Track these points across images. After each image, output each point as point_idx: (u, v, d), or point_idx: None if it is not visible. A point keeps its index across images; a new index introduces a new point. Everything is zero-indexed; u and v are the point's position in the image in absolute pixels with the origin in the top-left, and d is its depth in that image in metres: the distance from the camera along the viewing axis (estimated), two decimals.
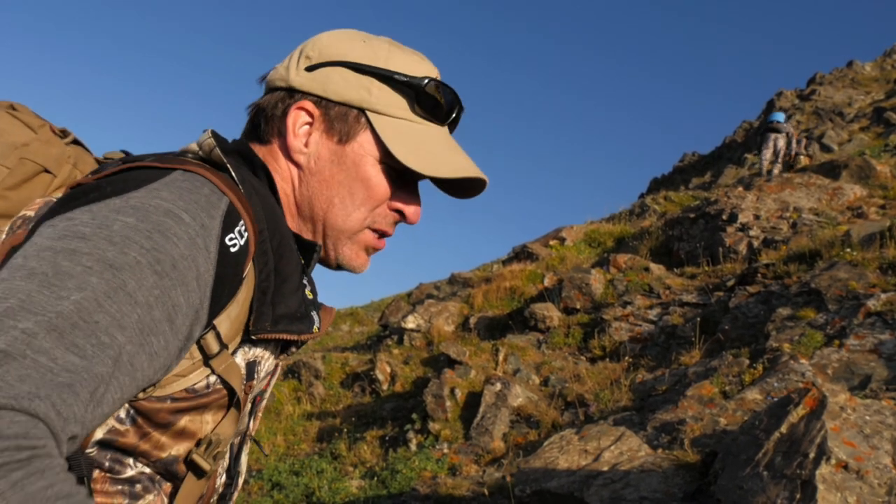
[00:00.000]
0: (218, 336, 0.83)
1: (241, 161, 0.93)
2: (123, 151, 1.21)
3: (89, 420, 0.66)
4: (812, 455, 3.36)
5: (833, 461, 3.29)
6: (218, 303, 0.80)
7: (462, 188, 1.04)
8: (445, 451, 7.56)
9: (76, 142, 1.05)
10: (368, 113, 0.96)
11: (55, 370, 0.63)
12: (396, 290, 20.78)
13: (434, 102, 0.98)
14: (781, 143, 14.33)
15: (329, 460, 8.29)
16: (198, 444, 0.87)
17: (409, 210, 1.02)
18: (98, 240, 0.70)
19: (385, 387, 10.26)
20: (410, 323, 11.75)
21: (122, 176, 0.81)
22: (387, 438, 8.58)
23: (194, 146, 0.93)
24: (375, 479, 7.32)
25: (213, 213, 0.79)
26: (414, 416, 8.47)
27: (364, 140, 0.97)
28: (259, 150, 0.99)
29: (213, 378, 0.84)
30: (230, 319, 0.83)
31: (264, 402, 0.99)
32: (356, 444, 8.61)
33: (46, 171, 0.96)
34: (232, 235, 0.80)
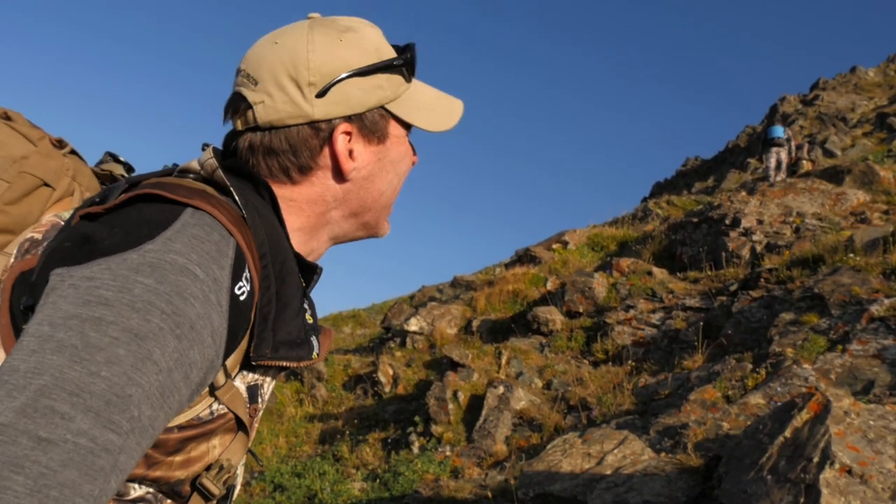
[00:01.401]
0: (225, 369, 0.85)
1: (242, 181, 0.92)
2: (111, 154, 1.21)
3: (116, 487, 0.68)
4: (816, 459, 3.37)
5: (837, 465, 3.30)
6: (230, 349, 0.82)
7: None
8: (448, 453, 7.56)
9: (73, 152, 1.05)
10: (387, 105, 1.00)
11: (95, 451, 0.65)
12: (399, 293, 20.80)
13: (414, 66, 1.04)
14: (783, 154, 14.90)
15: (331, 462, 8.30)
16: (208, 469, 0.88)
17: (416, 157, 1.10)
18: (121, 306, 0.71)
19: (387, 389, 10.27)
20: (413, 325, 11.76)
21: (136, 214, 0.80)
22: (389, 441, 8.59)
23: (195, 165, 0.92)
24: (377, 481, 7.33)
25: (223, 262, 0.80)
26: (416, 418, 8.47)
27: (392, 128, 1.02)
28: (284, 189, 0.97)
29: (216, 405, 0.86)
30: (235, 352, 0.85)
31: (259, 414, 1.00)
32: (358, 446, 8.61)
33: (46, 184, 0.95)
34: (240, 284, 0.81)
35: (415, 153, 1.09)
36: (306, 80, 0.93)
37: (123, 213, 0.81)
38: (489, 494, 5.71)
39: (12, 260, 0.87)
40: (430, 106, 1.05)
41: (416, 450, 7.97)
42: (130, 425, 0.68)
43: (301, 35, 0.96)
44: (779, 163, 15.01)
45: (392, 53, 1.01)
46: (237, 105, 0.96)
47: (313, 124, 0.94)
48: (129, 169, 1.22)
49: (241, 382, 0.89)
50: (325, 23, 0.98)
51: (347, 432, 9.11)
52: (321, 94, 0.93)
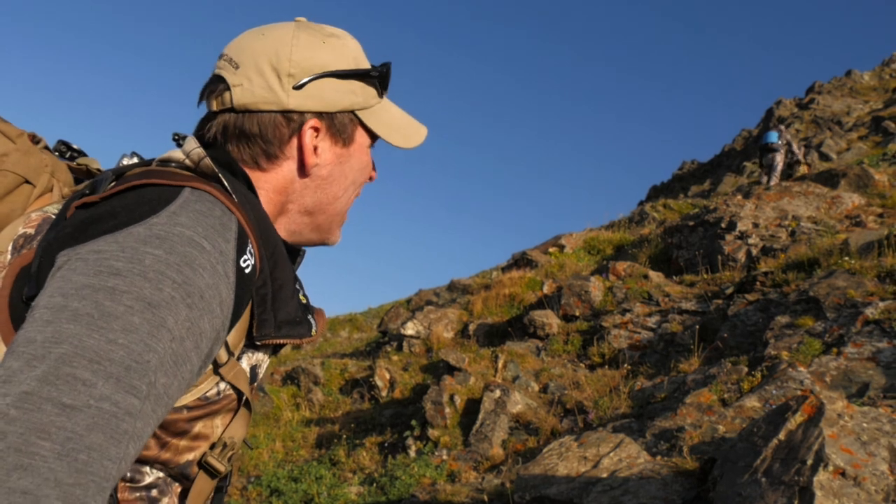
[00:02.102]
0: (227, 346, 0.86)
1: (223, 170, 0.94)
2: (64, 143, 1.21)
3: (134, 455, 0.70)
4: (810, 462, 3.38)
5: (831, 468, 3.31)
6: (234, 321, 0.84)
7: None
8: (444, 457, 7.57)
9: (46, 147, 1.06)
10: (358, 112, 1.04)
11: (119, 415, 0.66)
12: (395, 297, 20.81)
13: (387, 83, 1.08)
14: (779, 158, 14.98)
15: (328, 466, 8.30)
16: (212, 447, 0.90)
17: (375, 173, 1.13)
18: (133, 276, 0.72)
19: (384, 393, 10.27)
20: (410, 329, 11.76)
21: (135, 197, 0.82)
22: (386, 445, 8.58)
23: (179, 155, 0.94)
24: (374, 485, 7.32)
25: (228, 236, 0.82)
26: (413, 422, 8.48)
27: (359, 135, 1.06)
28: (250, 173, 1.00)
29: (222, 385, 0.87)
30: (236, 329, 0.87)
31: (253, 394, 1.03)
32: (355, 450, 8.61)
33: (27, 181, 0.96)
34: (245, 257, 0.84)
35: (374, 169, 1.12)
36: (286, 71, 0.97)
37: (121, 197, 0.82)
38: (486, 498, 5.72)
39: (8, 257, 0.87)
40: (398, 124, 1.09)
41: (412, 454, 7.98)
42: (149, 390, 0.69)
43: (288, 31, 1.00)
44: (774, 167, 15.18)
45: (369, 66, 1.06)
46: (215, 86, 1.00)
47: (286, 113, 0.98)
48: (83, 156, 1.23)
49: (246, 363, 0.91)
50: (311, 26, 1.03)
51: (344, 436, 9.11)
52: (298, 87, 0.98)
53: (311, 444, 9.51)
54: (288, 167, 1.01)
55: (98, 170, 1.12)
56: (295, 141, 1.00)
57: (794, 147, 15.59)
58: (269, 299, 0.89)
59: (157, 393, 0.71)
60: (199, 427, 0.86)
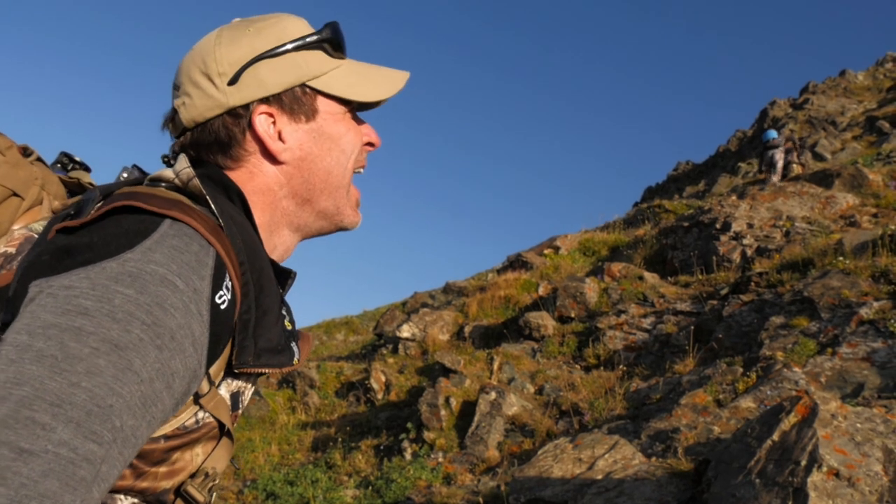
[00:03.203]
0: (208, 377, 0.85)
1: (216, 188, 0.93)
2: (66, 155, 1.20)
3: (99, 497, 0.68)
4: (804, 463, 3.38)
5: (825, 469, 3.31)
6: (213, 358, 0.83)
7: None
8: (440, 460, 7.56)
9: (38, 159, 1.04)
10: (309, 82, 1.01)
11: (76, 461, 0.65)
12: (391, 299, 20.78)
13: (338, 41, 1.04)
14: (779, 155, 15.11)
15: (324, 469, 8.29)
16: (192, 476, 0.88)
17: (373, 136, 1.10)
18: (101, 317, 0.71)
19: (380, 396, 10.26)
20: (405, 332, 11.75)
21: (113, 226, 0.80)
22: (381, 447, 8.58)
23: (168, 174, 0.92)
24: (370, 488, 7.31)
25: (203, 272, 0.80)
26: (409, 425, 8.47)
27: (323, 105, 1.02)
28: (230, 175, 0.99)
29: (201, 414, 0.86)
30: (217, 359, 0.85)
31: (237, 420, 1.01)
32: (351, 453, 8.60)
33: (15, 194, 0.94)
34: (221, 293, 0.82)
35: (369, 130, 1.09)
36: (216, 71, 0.96)
37: (101, 225, 0.81)
38: (481, 501, 5.71)
39: None
40: (364, 79, 1.05)
41: (408, 456, 7.97)
42: (112, 435, 0.68)
43: (212, 36, 0.99)
44: (774, 164, 15.30)
45: (315, 31, 1.03)
46: (169, 115, 1.01)
47: (231, 112, 0.97)
48: (86, 169, 1.21)
49: (225, 391, 0.90)
50: (239, 22, 1.02)
51: (340, 439, 9.10)
52: (232, 82, 0.96)
53: (307, 448, 9.49)
54: (258, 162, 0.99)
55: (90, 184, 1.10)
56: (249, 134, 0.98)
57: (796, 141, 15.77)
58: (251, 325, 0.87)
59: (123, 436, 0.69)
60: (177, 455, 0.85)
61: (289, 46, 0.99)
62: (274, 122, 0.99)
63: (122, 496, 0.83)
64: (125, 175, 1.24)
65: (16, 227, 0.93)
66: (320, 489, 7.59)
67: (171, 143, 1.03)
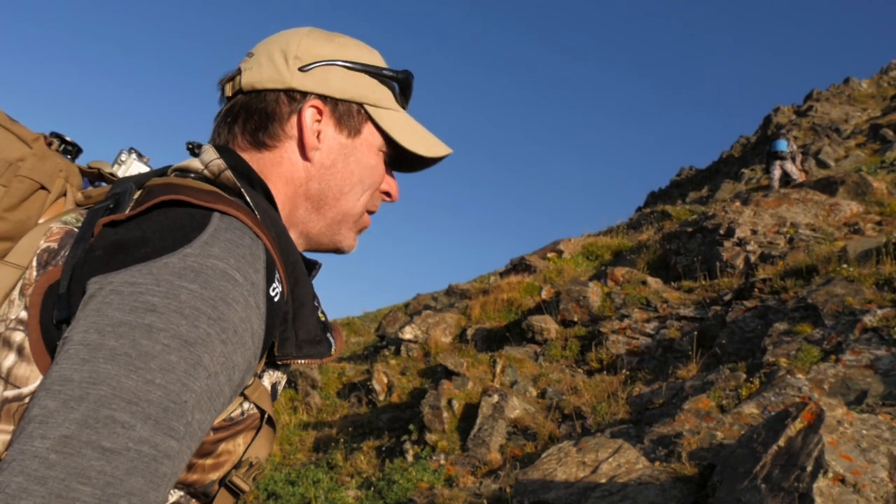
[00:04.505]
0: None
1: (242, 180, 0.93)
2: (56, 134, 1.19)
3: (167, 495, 0.70)
4: (809, 468, 3.38)
5: (830, 475, 3.32)
6: (265, 350, 0.84)
7: (425, 163, 1.14)
8: (442, 462, 7.56)
9: (58, 149, 1.04)
10: (367, 107, 1.03)
11: (158, 458, 0.67)
12: (394, 301, 20.78)
13: (407, 88, 1.08)
14: (788, 165, 15.36)
15: (325, 470, 8.29)
16: (237, 467, 0.89)
17: (395, 189, 1.12)
18: (170, 313, 0.72)
19: (382, 397, 10.26)
20: (408, 334, 11.76)
21: (165, 220, 0.80)
22: (383, 449, 8.58)
23: (197, 165, 0.93)
24: (372, 489, 7.32)
25: (258, 265, 0.81)
26: (411, 426, 8.47)
27: (368, 132, 1.04)
28: (255, 155, 1.01)
29: (246, 405, 0.86)
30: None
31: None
32: (353, 454, 8.60)
33: (42, 187, 0.93)
34: (274, 285, 0.83)
35: (394, 182, 1.11)
36: (293, 54, 1.00)
37: (150, 218, 0.81)
38: (484, 503, 5.71)
39: (34, 273, 0.84)
40: (415, 132, 1.08)
41: (410, 458, 7.97)
42: (186, 430, 0.70)
43: (304, 29, 1.04)
44: (782, 174, 15.39)
45: (394, 70, 1.07)
46: (231, 75, 1.04)
47: (289, 91, 1.00)
48: (77, 150, 1.20)
49: (267, 381, 0.90)
50: (329, 32, 1.06)
51: (342, 440, 9.10)
52: (303, 69, 1.00)
53: (309, 448, 9.50)
54: (290, 149, 1.01)
55: (111, 174, 1.09)
56: (295, 119, 1.00)
57: (797, 161, 15.82)
58: (290, 318, 0.88)
59: (192, 431, 0.71)
60: (223, 447, 0.86)
61: (366, 67, 1.03)
62: (319, 121, 1.01)
63: (172, 490, 0.84)
64: (123, 158, 1.23)
65: (41, 220, 0.92)
66: (322, 489, 7.59)
67: (221, 104, 1.06)
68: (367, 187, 1.06)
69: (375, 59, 1.06)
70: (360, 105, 1.03)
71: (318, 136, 1.01)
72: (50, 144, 1.01)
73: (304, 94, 1.00)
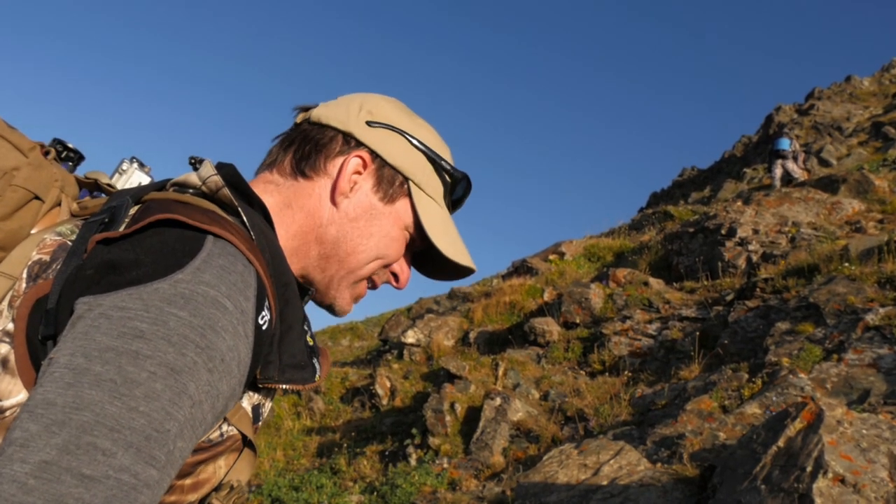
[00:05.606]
0: None
1: (240, 198, 0.92)
2: (59, 141, 1.17)
3: None
4: (809, 469, 3.37)
5: (830, 475, 3.30)
6: (251, 376, 0.83)
7: (447, 272, 1.14)
8: (445, 465, 7.55)
9: (55, 158, 1.02)
10: (411, 184, 1.05)
11: (137, 486, 0.66)
12: (396, 305, 20.80)
13: (461, 187, 1.10)
14: (789, 165, 15.49)
15: (329, 475, 8.28)
16: (216, 489, 0.89)
17: (405, 276, 1.11)
18: (157, 340, 0.71)
19: (385, 401, 10.26)
20: (410, 337, 11.76)
21: (158, 242, 0.80)
22: (386, 453, 8.57)
23: (195, 179, 0.92)
24: (375, 493, 7.31)
25: (248, 293, 0.80)
26: (414, 430, 8.47)
27: (401, 206, 1.05)
28: (291, 182, 1.03)
29: (225, 426, 0.86)
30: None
31: (256, 434, 1.01)
32: (356, 458, 8.60)
33: (36, 197, 0.91)
34: (263, 313, 0.82)
35: (405, 269, 1.11)
36: (367, 109, 1.05)
37: (143, 238, 0.80)
38: None
39: (23, 285, 0.83)
40: (447, 232, 1.08)
41: (413, 462, 7.96)
42: (167, 459, 0.69)
43: (386, 97, 1.10)
44: (784, 173, 15.44)
45: (455, 168, 1.09)
46: (307, 106, 1.09)
47: (346, 135, 1.03)
48: (79, 157, 1.19)
49: (247, 403, 0.89)
50: (409, 110, 1.11)
51: (345, 445, 9.10)
52: (369, 123, 1.03)
53: (312, 453, 9.50)
54: (323, 185, 1.02)
55: (109, 185, 1.07)
56: (339, 161, 1.02)
57: (799, 160, 15.82)
58: (276, 340, 0.87)
59: (173, 459, 0.71)
60: (201, 469, 0.85)
61: (428, 150, 1.06)
62: (360, 174, 1.03)
63: None
64: (125, 167, 1.21)
65: (34, 230, 0.91)
66: (325, 495, 7.59)
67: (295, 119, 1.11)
68: (380, 256, 1.05)
69: (442, 149, 1.09)
70: (406, 179, 1.04)
71: (352, 186, 1.02)
72: (48, 153, 1.00)
73: (359, 144, 1.02)
